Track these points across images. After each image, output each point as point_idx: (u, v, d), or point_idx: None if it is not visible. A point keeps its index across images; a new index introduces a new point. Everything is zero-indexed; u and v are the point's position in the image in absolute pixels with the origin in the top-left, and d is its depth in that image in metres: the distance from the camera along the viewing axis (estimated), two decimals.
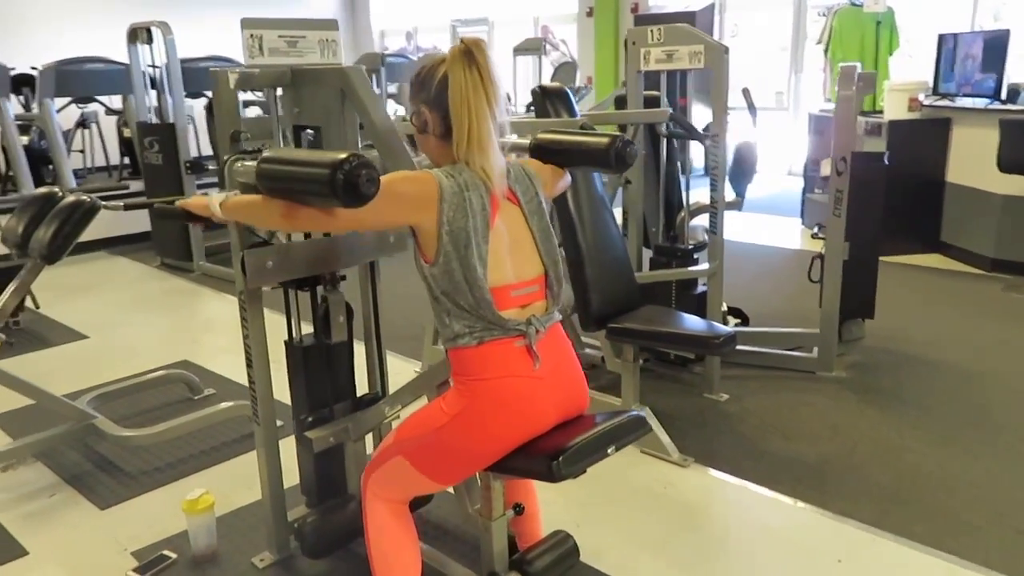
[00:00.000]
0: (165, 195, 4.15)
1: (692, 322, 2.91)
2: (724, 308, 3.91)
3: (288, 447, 2.40)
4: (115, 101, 8.19)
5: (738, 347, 3.78)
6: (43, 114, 6.92)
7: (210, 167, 6.00)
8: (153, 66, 6.11)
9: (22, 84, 8.02)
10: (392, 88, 8.53)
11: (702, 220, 3.62)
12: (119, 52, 6.42)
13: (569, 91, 3.07)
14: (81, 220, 2.74)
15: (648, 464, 2.94)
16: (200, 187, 5.95)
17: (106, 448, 3.13)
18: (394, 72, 8.50)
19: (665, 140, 3.55)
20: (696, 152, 4.63)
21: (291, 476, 2.42)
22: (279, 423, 2.38)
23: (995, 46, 5.45)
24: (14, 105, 7.91)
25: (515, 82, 8.76)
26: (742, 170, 3.42)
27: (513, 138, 2.15)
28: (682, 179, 3.71)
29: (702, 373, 3.56)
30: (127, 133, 7.80)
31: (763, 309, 4.47)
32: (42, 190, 2.90)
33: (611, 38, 10.20)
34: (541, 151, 2.01)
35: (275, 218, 1.72)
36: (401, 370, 3.74)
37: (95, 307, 5.22)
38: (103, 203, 2.80)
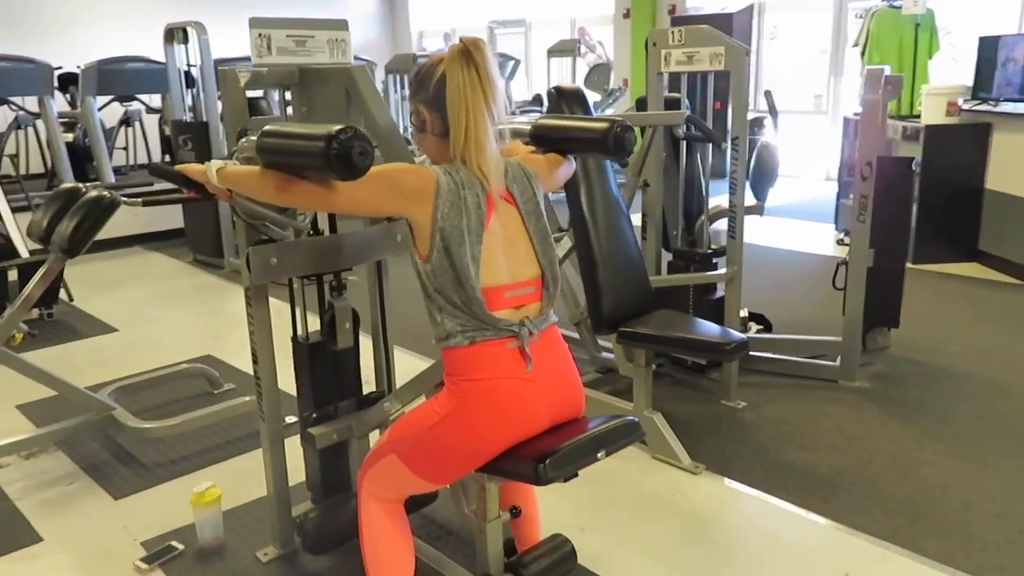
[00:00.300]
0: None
1: (705, 327, 2.87)
2: (745, 314, 3.87)
3: (299, 443, 2.42)
4: (155, 100, 8.39)
5: (759, 354, 3.74)
6: (85, 111, 7.10)
7: None
8: (189, 65, 6.22)
9: (70, 83, 8.25)
10: None
11: (725, 224, 3.57)
12: (161, 52, 6.56)
13: (583, 92, 3.04)
14: (101, 215, 2.81)
15: (659, 470, 2.91)
16: None
17: (125, 439, 3.19)
18: None
19: (684, 143, 3.51)
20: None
21: (300, 472, 2.44)
22: (293, 419, 2.40)
23: None
24: (61, 103, 8.15)
25: (548, 83, 8.74)
26: (763, 174, 3.36)
27: (515, 123, 2.14)
28: (703, 182, 3.66)
29: (719, 379, 3.52)
30: (168, 131, 7.96)
31: (788, 316, 4.40)
32: (67, 185, 2.98)
33: None
34: (541, 137, 2.01)
35: (269, 190, 1.70)
36: (414, 368, 3.72)
37: (126, 301, 5.33)
38: (124, 199, 2.86)
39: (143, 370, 3.78)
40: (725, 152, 3.22)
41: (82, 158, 7.76)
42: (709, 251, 3.59)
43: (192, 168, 1.87)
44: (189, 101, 6.37)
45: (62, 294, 4.98)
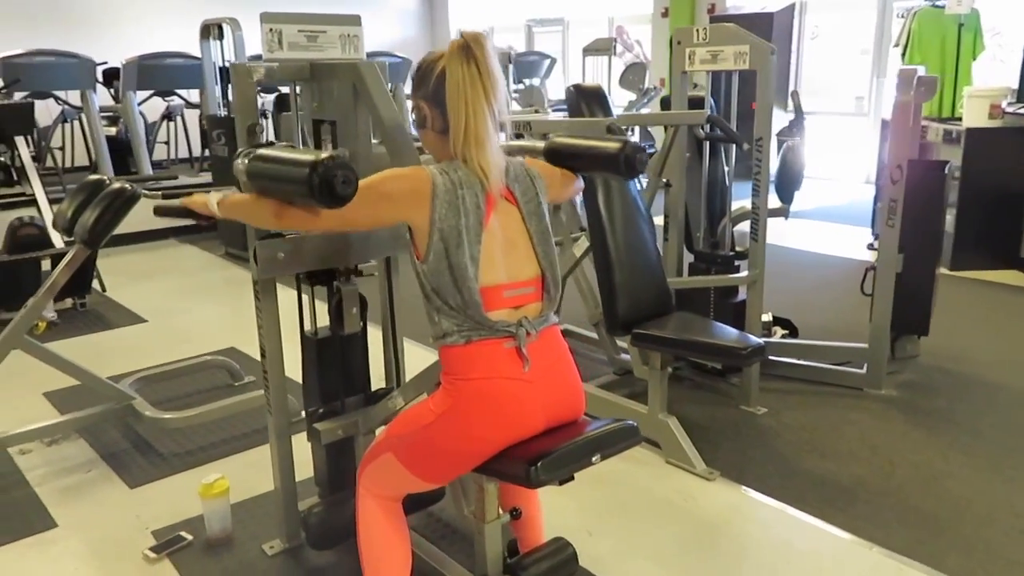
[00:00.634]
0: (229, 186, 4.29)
1: (722, 331, 2.82)
2: (769, 318, 3.79)
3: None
4: (194, 95, 8.53)
5: (783, 359, 3.67)
6: (125, 106, 7.25)
7: None
8: (224, 61, 6.31)
9: (114, 78, 8.43)
10: None
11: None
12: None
13: (603, 91, 3.01)
14: (122, 208, 2.85)
15: (672, 475, 2.86)
16: None
17: (143, 428, 3.24)
18: None
19: (708, 143, 3.45)
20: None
21: (312, 467, 2.44)
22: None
23: None
24: (106, 98, 8.32)
25: (583, 82, 8.68)
26: (788, 176, 3.29)
27: (525, 141, 2.15)
28: (727, 183, 3.59)
29: (740, 384, 3.45)
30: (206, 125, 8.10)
31: (816, 321, 4.31)
32: (92, 177, 3.02)
33: None
34: (553, 155, 2.02)
35: (267, 217, 1.74)
36: (428, 363, 3.74)
37: (157, 292, 5.41)
38: (144, 192, 2.90)
39: (168, 361, 3.84)
40: (749, 153, 3.15)
41: (124, 151, 7.93)
42: (731, 253, 3.52)
43: (195, 201, 1.93)
44: (223, 96, 6.46)
45: (95, 284, 5.07)
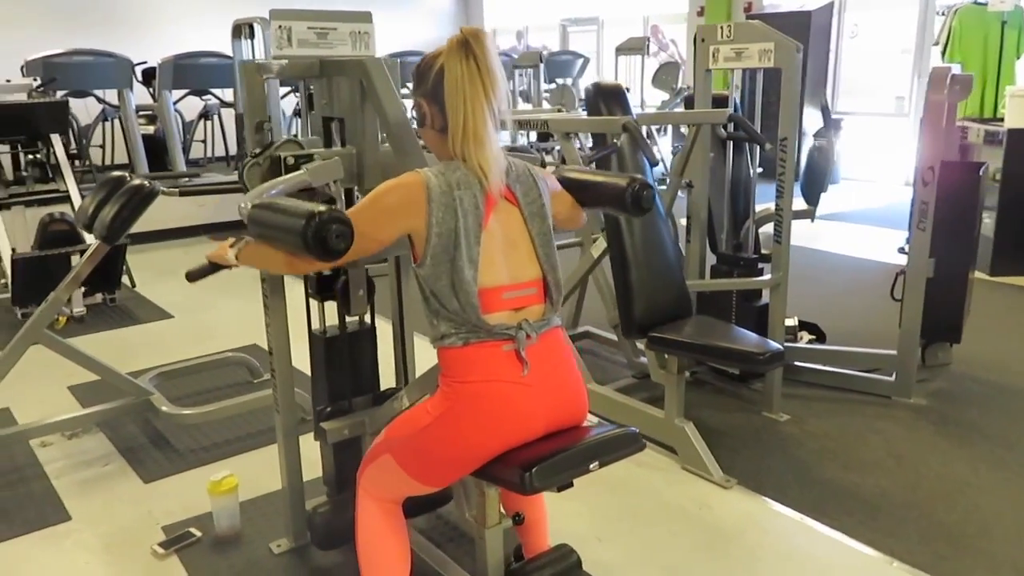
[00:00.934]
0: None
1: (741, 335, 2.75)
2: (794, 323, 3.70)
3: None
4: (229, 94, 8.62)
5: (808, 365, 3.58)
6: (160, 104, 7.35)
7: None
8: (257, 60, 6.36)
9: (152, 77, 8.57)
10: None
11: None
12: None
13: (623, 90, 2.96)
14: (140, 204, 2.87)
15: (687, 482, 2.80)
16: None
17: (161, 424, 3.26)
18: None
19: (732, 144, 3.37)
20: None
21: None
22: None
23: None
24: (144, 97, 8.45)
25: (616, 80, 8.61)
26: (814, 177, 3.20)
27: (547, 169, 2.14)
28: (751, 184, 3.51)
29: (762, 390, 3.37)
30: None
31: (845, 326, 4.19)
32: (114, 174, 3.05)
33: None
34: (563, 186, 2.00)
35: (281, 264, 1.77)
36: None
37: (185, 289, 5.38)
38: (163, 189, 2.92)
39: (191, 356, 3.87)
40: (773, 153, 3.07)
41: (160, 150, 8.04)
42: (754, 256, 3.44)
43: (219, 255, 1.99)
44: None
45: (125, 280, 5.14)
